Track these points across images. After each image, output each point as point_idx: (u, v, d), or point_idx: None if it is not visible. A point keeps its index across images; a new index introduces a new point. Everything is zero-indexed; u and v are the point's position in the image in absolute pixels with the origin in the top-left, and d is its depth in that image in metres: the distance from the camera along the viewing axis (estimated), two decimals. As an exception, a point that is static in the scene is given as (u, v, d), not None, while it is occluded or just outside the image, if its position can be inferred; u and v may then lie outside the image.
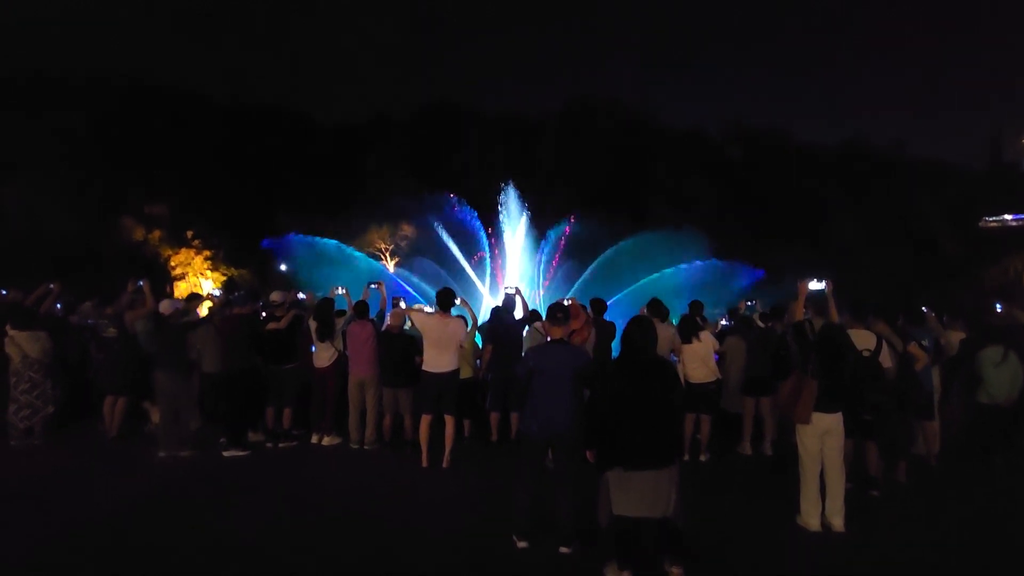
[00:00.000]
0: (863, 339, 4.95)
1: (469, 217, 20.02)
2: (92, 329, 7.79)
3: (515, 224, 18.66)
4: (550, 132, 43.12)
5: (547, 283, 18.42)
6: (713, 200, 40.99)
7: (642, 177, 42.36)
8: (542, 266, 18.81)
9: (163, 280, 38.77)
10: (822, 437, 4.47)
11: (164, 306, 6.58)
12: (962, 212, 39.90)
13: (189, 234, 39.54)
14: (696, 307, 7.15)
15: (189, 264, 39.61)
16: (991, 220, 41.07)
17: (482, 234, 19.55)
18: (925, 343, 5.87)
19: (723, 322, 8.16)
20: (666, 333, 6.31)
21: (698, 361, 6.27)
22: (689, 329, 6.31)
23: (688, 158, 44.54)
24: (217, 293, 7.52)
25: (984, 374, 6.03)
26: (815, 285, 5.09)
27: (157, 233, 38.40)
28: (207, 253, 40.15)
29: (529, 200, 20.34)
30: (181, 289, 40.10)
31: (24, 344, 6.55)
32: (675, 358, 6.46)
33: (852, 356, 4.73)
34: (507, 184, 19.36)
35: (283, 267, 42.62)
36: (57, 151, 31.54)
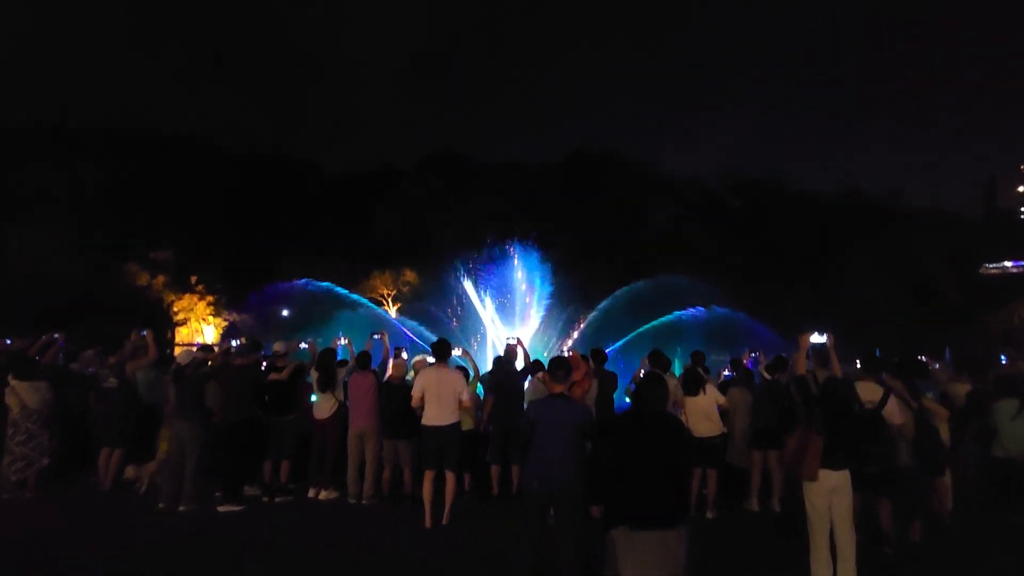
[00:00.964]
0: (869, 391, 4.92)
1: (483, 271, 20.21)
2: (93, 378, 7.76)
3: (522, 275, 18.81)
4: (551, 181, 44.00)
5: (571, 337, 18.26)
6: (713, 247, 41.42)
7: (642, 225, 42.94)
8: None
9: (165, 326, 38.81)
10: (830, 495, 4.37)
11: (182, 356, 6.59)
12: (961, 259, 40.18)
13: (193, 279, 39.82)
14: (698, 358, 7.12)
15: (192, 310, 39.73)
16: (991, 267, 41.35)
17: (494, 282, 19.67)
18: (929, 395, 5.81)
19: (725, 373, 8.10)
20: (669, 385, 6.26)
21: (701, 415, 6.19)
22: (693, 381, 6.25)
23: (688, 206, 45.29)
24: (235, 343, 7.49)
25: (1000, 427, 5.93)
26: (816, 338, 5.09)
27: (161, 278, 38.68)
28: (210, 299, 40.33)
29: (531, 248, 20.60)
30: (183, 335, 40.11)
31: (24, 394, 6.52)
32: (678, 411, 6.39)
33: (856, 409, 4.69)
34: (513, 240, 19.67)
35: (285, 312, 42.73)
36: (65, 198, 32.19)
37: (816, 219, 46.21)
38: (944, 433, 6.00)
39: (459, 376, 5.95)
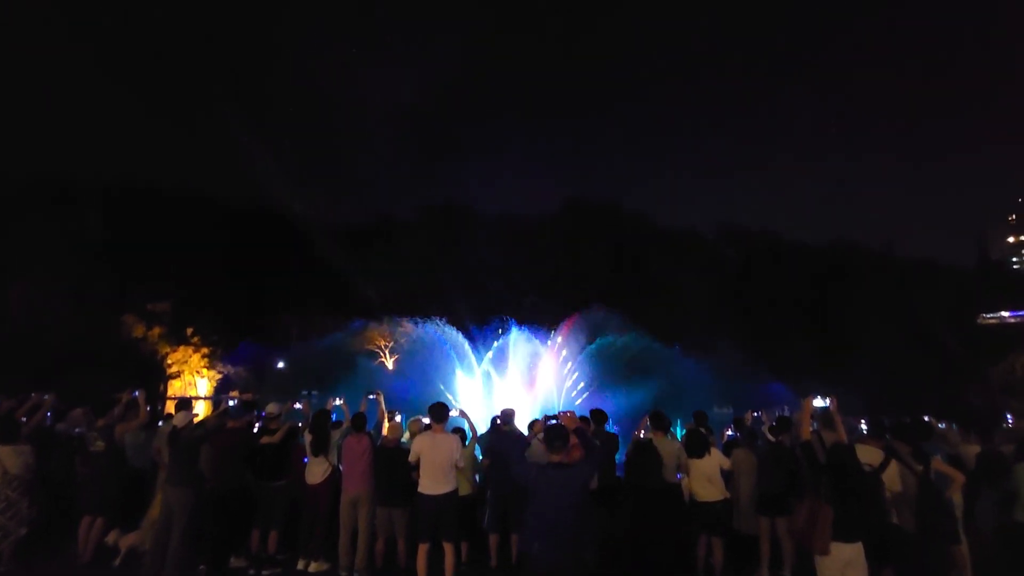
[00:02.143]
0: (869, 455, 4.80)
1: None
2: (80, 440, 7.52)
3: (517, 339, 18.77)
4: (548, 233, 44.54)
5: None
6: (711, 298, 41.55)
7: (640, 275, 43.23)
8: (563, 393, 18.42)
9: (158, 379, 38.36)
10: (844, 569, 4.19)
11: (179, 418, 6.39)
12: (958, 309, 40.34)
13: (189, 331, 39.61)
14: (701, 418, 6.96)
15: (186, 362, 39.36)
16: (989, 317, 41.47)
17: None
18: (938, 457, 5.65)
19: (728, 433, 7.90)
20: (671, 448, 6.07)
21: (704, 478, 5.97)
22: (697, 443, 6.06)
23: (684, 257, 45.74)
24: (231, 403, 7.21)
25: (1020, 491, 5.74)
26: (819, 402, 5.00)
27: (157, 330, 38.51)
28: (205, 351, 40.02)
29: (530, 300, 20.65)
30: (175, 388, 39.57)
31: (6, 459, 6.29)
32: (680, 475, 6.18)
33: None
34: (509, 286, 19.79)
35: (280, 364, 42.20)
36: (67, 252, 32.50)
37: (810, 270, 46.68)
38: (957, 498, 5.80)
39: (455, 441, 5.78)
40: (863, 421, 6.25)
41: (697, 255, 47.54)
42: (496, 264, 37.84)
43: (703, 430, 6.55)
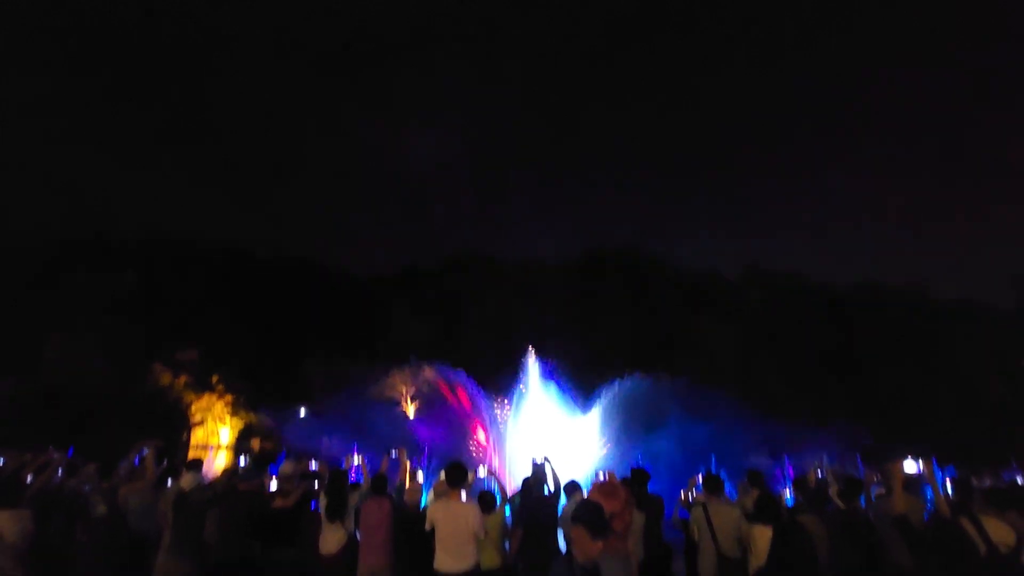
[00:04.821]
0: (998, 531, 3.96)
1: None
2: (84, 501, 7.08)
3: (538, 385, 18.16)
4: (570, 279, 44.45)
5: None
6: (737, 344, 40.45)
7: (662, 321, 42.43)
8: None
9: (181, 427, 38.43)
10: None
11: (187, 481, 5.94)
12: (1001, 353, 38.39)
13: (214, 379, 39.79)
14: (757, 478, 6.22)
15: (210, 410, 39.31)
16: (1035, 361, 39.22)
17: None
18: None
19: (787, 495, 7.06)
20: (730, 516, 5.32)
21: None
22: (769, 508, 5.15)
23: (707, 300, 44.89)
24: (242, 463, 6.76)
25: None
26: (910, 467, 4.30)
27: (183, 378, 38.71)
28: (229, 398, 40.03)
29: (551, 351, 20.15)
30: (198, 437, 39.42)
31: (3, 524, 5.85)
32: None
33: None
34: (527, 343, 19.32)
35: (302, 413, 41.95)
36: (100, 306, 33.59)
37: (839, 312, 45.37)
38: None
39: (473, 510, 5.14)
40: (948, 481, 5.39)
41: (720, 298, 46.52)
42: (518, 311, 37.62)
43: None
